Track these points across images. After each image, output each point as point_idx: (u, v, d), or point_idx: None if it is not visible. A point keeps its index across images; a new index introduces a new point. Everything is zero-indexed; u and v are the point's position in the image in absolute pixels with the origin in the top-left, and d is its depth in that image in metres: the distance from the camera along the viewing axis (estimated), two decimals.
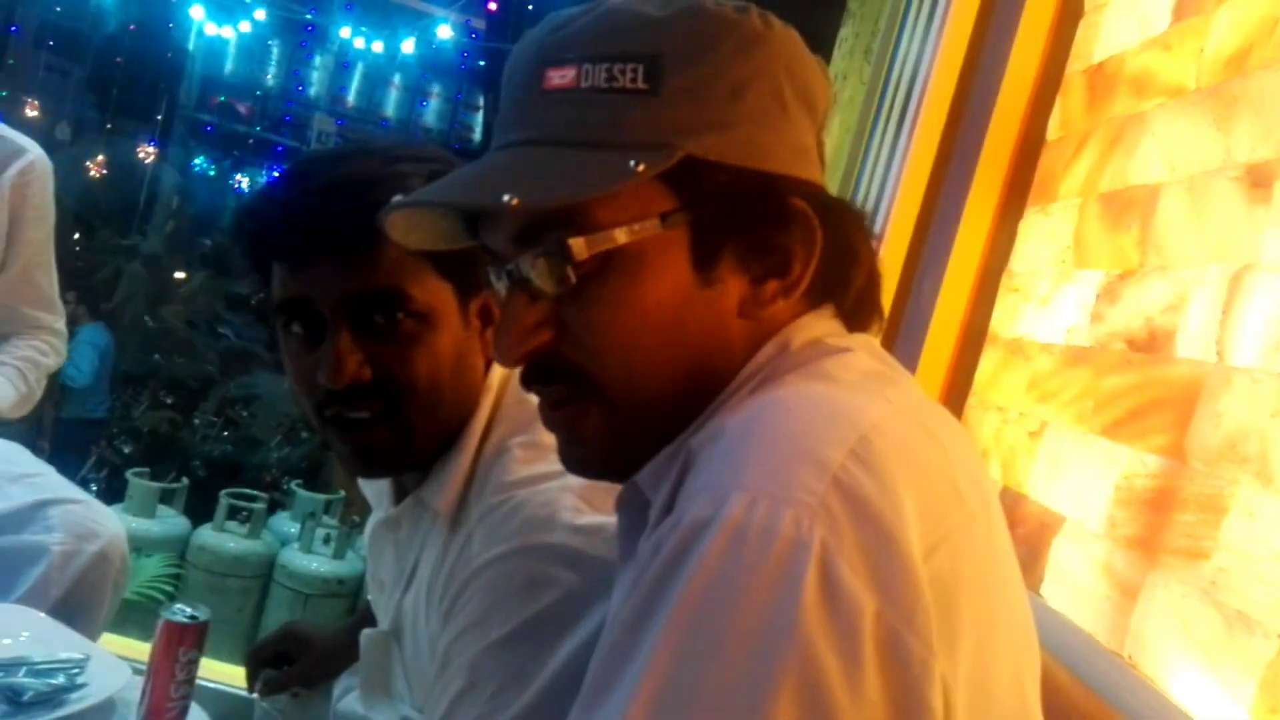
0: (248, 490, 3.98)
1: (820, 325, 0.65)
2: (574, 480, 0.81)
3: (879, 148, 1.69)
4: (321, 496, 3.98)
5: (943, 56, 1.56)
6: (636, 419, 0.63)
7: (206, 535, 3.65)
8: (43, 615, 1.33)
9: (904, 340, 1.51)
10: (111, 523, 1.61)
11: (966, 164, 1.48)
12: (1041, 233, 1.37)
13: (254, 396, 7.77)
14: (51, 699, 1.06)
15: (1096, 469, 1.06)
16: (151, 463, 5.17)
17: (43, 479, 1.63)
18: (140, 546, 3.52)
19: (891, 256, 1.54)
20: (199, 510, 3.96)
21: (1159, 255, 1.06)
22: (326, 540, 3.64)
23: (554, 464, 0.70)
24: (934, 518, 0.51)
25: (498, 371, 0.93)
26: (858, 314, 0.68)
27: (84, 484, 5.27)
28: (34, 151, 1.85)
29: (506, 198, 0.58)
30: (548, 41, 0.63)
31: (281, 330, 0.90)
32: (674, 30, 0.61)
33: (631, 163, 0.58)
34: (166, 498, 3.91)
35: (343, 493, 4.16)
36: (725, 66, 0.61)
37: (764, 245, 0.63)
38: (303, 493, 4.03)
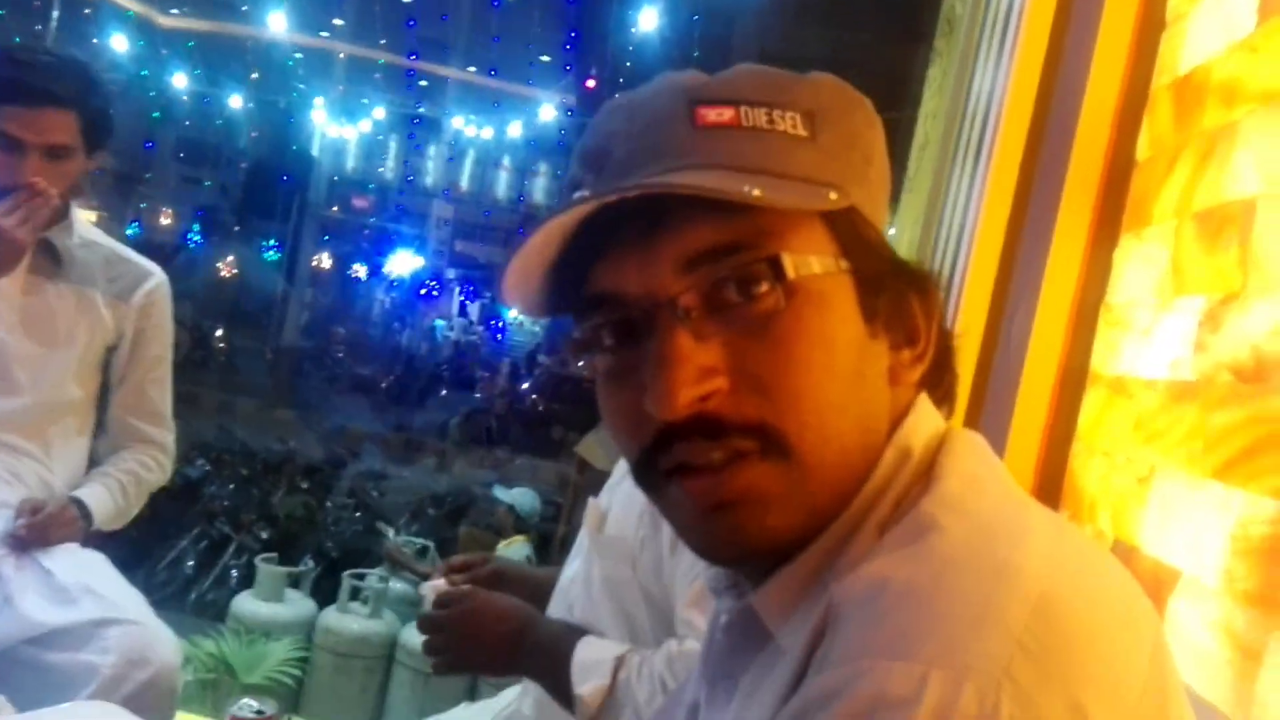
0: (370, 570, 4.05)
1: (927, 421, 0.61)
2: None
3: (959, 184, 1.61)
4: None
5: (1016, 82, 1.48)
6: (820, 479, 0.56)
7: (331, 617, 3.72)
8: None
9: (996, 384, 1.42)
10: (166, 649, 1.65)
11: (1051, 191, 1.39)
12: (1138, 260, 1.27)
13: (383, 476, 8.01)
14: None
15: (1210, 517, 0.95)
16: (288, 547, 5.34)
17: (111, 595, 1.68)
18: (269, 631, 3.62)
19: (977, 295, 1.46)
20: (330, 593, 4.06)
21: (1260, 275, 0.96)
22: None
23: None
24: (1135, 647, 0.47)
25: None
26: (946, 399, 0.65)
27: (224, 571, 5.49)
28: (158, 274, 1.99)
29: (750, 189, 0.53)
30: (695, 84, 0.60)
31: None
32: (820, 91, 0.62)
33: (829, 192, 0.57)
34: (295, 581, 4.01)
35: None
36: (860, 133, 0.62)
37: (900, 310, 0.60)
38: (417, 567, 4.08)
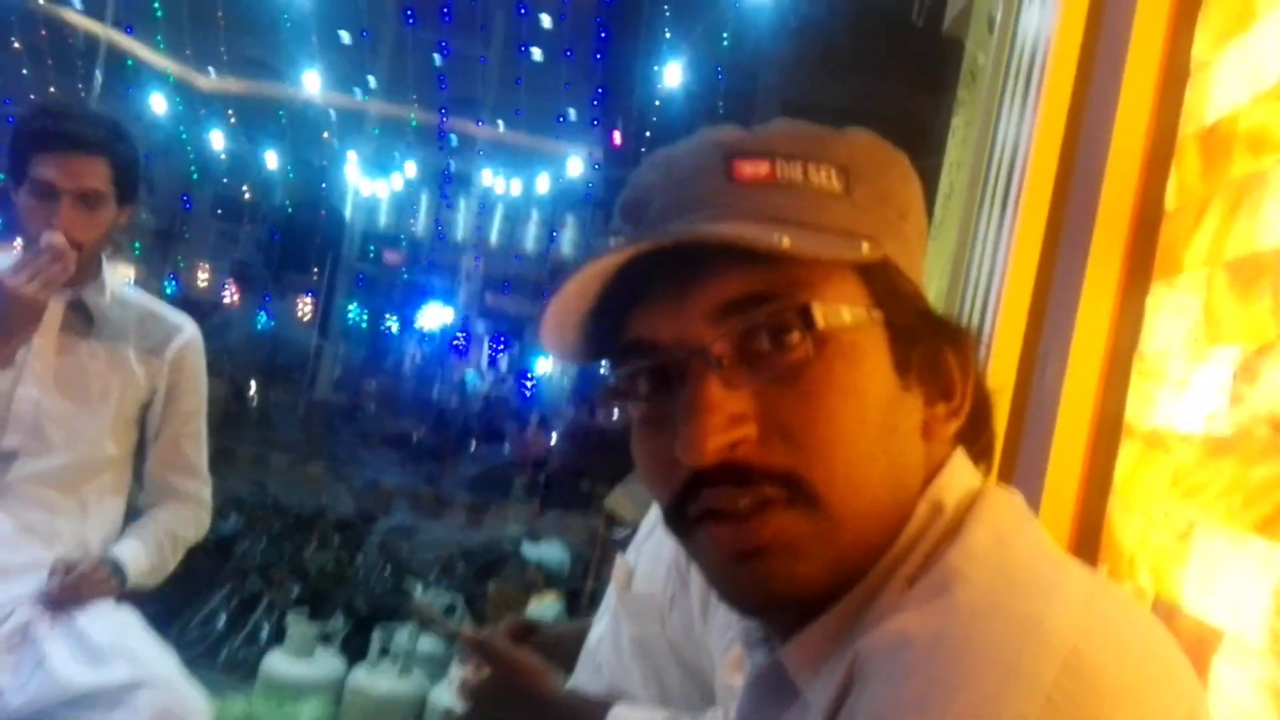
0: (401, 625, 4.02)
1: (962, 476, 0.60)
2: None
3: (985, 233, 1.61)
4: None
5: (1041, 132, 1.47)
6: (849, 529, 0.56)
7: (360, 676, 3.70)
8: None
9: (1030, 437, 1.39)
10: (196, 711, 1.64)
11: (1079, 240, 1.38)
12: (1170, 309, 1.25)
13: (413, 530, 7.99)
14: None
15: (1253, 573, 0.92)
16: (319, 602, 5.32)
17: (143, 655, 1.68)
18: (299, 689, 3.60)
19: (1007, 345, 1.44)
20: (360, 649, 4.03)
21: None
22: None
23: None
24: (1171, 706, 0.46)
25: None
26: (983, 456, 0.64)
27: (255, 628, 5.48)
28: (189, 328, 2.00)
29: (780, 239, 0.54)
30: (732, 139, 0.62)
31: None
32: (855, 147, 0.63)
33: (862, 244, 0.57)
34: (326, 637, 4.00)
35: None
36: (895, 189, 0.63)
37: (935, 364, 0.60)
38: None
